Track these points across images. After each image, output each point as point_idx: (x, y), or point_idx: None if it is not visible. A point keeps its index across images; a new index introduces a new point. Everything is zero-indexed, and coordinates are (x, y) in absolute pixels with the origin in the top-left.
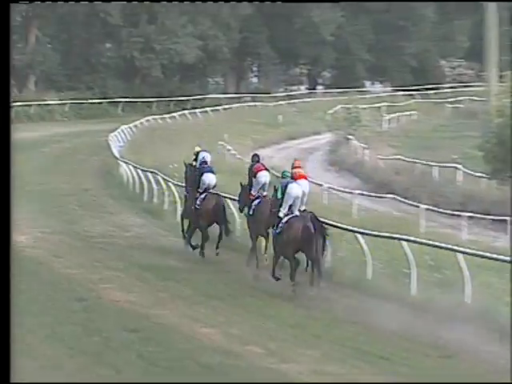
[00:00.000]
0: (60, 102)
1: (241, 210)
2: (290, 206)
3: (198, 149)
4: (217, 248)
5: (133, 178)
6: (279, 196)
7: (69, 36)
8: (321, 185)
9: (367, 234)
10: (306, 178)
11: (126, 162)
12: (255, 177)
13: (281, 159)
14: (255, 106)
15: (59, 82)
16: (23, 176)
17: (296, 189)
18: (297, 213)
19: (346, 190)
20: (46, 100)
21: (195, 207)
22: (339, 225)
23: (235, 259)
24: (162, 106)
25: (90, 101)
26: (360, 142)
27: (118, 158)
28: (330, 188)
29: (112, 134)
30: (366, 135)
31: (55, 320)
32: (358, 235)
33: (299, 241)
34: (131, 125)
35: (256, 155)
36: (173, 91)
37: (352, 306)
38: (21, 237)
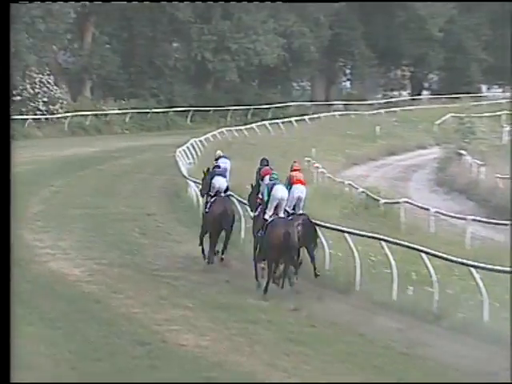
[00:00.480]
0: (120, 111)
1: (252, 210)
2: (276, 208)
3: (219, 153)
4: (222, 253)
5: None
6: (265, 198)
7: (130, 34)
8: (427, 209)
9: (482, 268)
10: (303, 183)
11: (197, 182)
12: (262, 180)
13: (377, 179)
14: (348, 115)
15: (119, 88)
16: (77, 198)
17: (281, 191)
18: (281, 214)
19: (458, 215)
20: (103, 109)
21: (205, 212)
22: (444, 255)
23: (321, 295)
24: (237, 115)
25: (155, 110)
26: (474, 157)
27: (186, 178)
28: (437, 213)
29: (180, 149)
30: (482, 150)
31: (114, 367)
32: (472, 269)
33: (279, 246)
34: (202, 138)
35: (264, 159)
36: (251, 98)
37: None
38: (74, 269)
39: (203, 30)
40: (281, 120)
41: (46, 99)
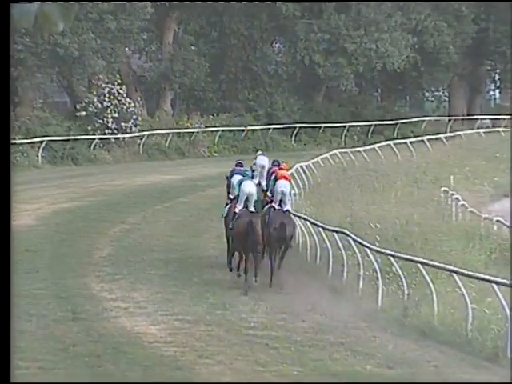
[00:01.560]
0: (208, 129)
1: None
2: (246, 202)
3: (259, 153)
4: (255, 276)
5: (312, 240)
6: (236, 193)
7: (221, 33)
8: None
9: None
10: (287, 179)
11: (303, 218)
12: (271, 179)
13: None
14: (498, 132)
15: (207, 100)
16: (156, 238)
17: (248, 186)
18: (252, 209)
19: None
20: (187, 127)
21: (230, 227)
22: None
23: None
24: (355, 133)
25: (251, 127)
26: None
27: (290, 212)
28: None
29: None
30: None
31: None
32: None
33: (242, 235)
34: (310, 162)
35: (276, 160)
36: (372, 112)
37: None
38: (151, 328)
39: (312, 27)
40: (410, 139)
41: (116, 115)
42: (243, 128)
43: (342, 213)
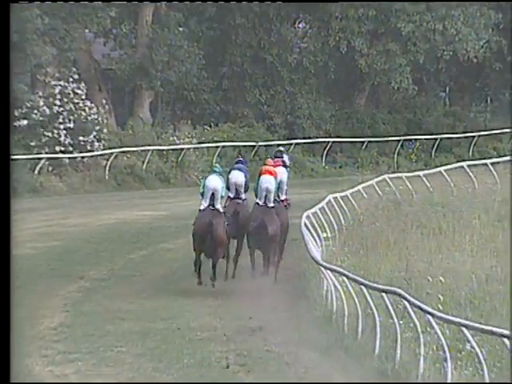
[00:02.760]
0: (201, 145)
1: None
2: (212, 199)
3: (279, 149)
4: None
5: (352, 304)
6: (201, 190)
7: (221, 10)
8: None
9: None
10: (272, 174)
11: (337, 271)
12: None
13: None
14: None
15: (201, 104)
16: (128, 300)
17: (213, 181)
18: (218, 206)
19: None
20: (174, 142)
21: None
22: None
23: None
24: (412, 150)
25: (264, 143)
26: None
27: (318, 263)
28: None
29: (310, 212)
30: None
31: None
32: None
33: (201, 237)
34: (348, 192)
35: (279, 151)
36: (436, 120)
37: None
38: None
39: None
40: (493, 160)
41: (71, 124)
42: (253, 144)
43: (395, 265)
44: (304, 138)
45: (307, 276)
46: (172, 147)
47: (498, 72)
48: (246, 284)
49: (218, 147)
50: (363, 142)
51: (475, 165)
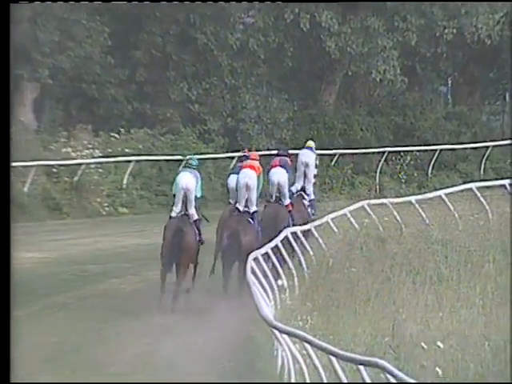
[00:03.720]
0: (108, 159)
1: None
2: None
3: (310, 143)
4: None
5: (317, 379)
6: (172, 191)
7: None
8: None
9: None
10: (254, 169)
11: (296, 336)
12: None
13: None
14: None
15: (106, 101)
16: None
17: (184, 179)
18: (191, 211)
19: None
20: (67, 155)
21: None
22: None
23: None
24: (400, 165)
25: (200, 156)
26: None
27: (271, 324)
28: None
29: (259, 252)
30: None
31: None
32: None
33: (168, 248)
34: (313, 225)
35: (281, 149)
36: (435, 124)
37: None
38: None
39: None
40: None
41: None
42: (180, 158)
43: (377, 326)
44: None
45: (256, 342)
46: (65, 162)
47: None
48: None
49: (129, 162)
50: (333, 156)
51: (489, 187)
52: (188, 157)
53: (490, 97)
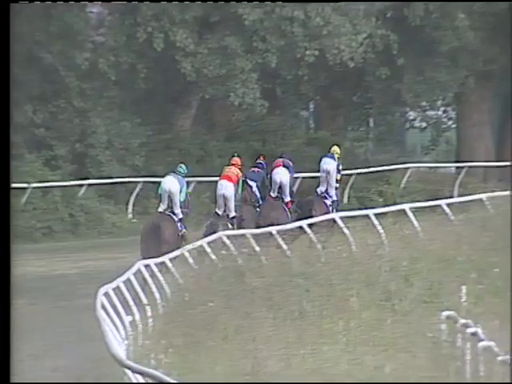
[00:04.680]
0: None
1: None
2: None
3: (334, 149)
4: None
5: None
6: (158, 192)
7: None
8: None
9: None
10: (230, 180)
11: (150, 375)
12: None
13: None
14: None
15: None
16: None
17: (168, 182)
18: (177, 210)
19: None
20: None
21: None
22: None
23: None
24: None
25: (44, 183)
26: None
27: (123, 363)
28: None
29: (110, 286)
30: None
31: None
32: None
33: (143, 239)
34: (168, 256)
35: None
36: (298, 150)
37: None
38: None
39: None
40: (377, 210)
41: None
42: (24, 185)
43: (237, 364)
44: (100, 178)
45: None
46: None
47: (385, 81)
48: None
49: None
50: (189, 184)
51: (353, 217)
52: (180, 164)
53: (354, 122)
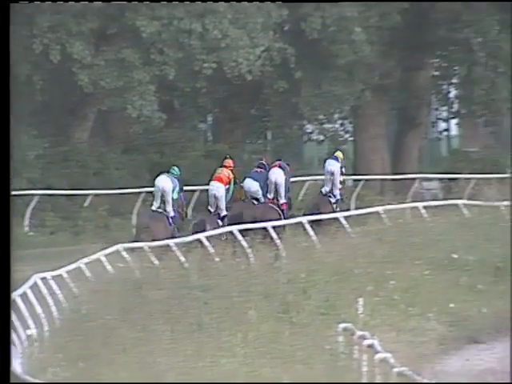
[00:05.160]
0: None
1: None
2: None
3: (338, 153)
4: None
5: None
6: (153, 190)
7: None
8: None
9: None
10: (220, 181)
11: None
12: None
13: None
14: (456, 208)
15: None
16: None
17: (161, 181)
18: (168, 208)
19: None
20: None
21: None
22: None
23: None
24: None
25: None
26: None
27: (20, 379)
28: None
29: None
30: None
31: None
32: None
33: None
34: (64, 270)
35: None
36: (195, 162)
37: None
38: None
39: None
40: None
41: None
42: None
43: (134, 376)
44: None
45: None
46: None
47: (283, 94)
48: None
49: None
50: (86, 196)
51: (251, 229)
52: (173, 167)
53: (252, 135)
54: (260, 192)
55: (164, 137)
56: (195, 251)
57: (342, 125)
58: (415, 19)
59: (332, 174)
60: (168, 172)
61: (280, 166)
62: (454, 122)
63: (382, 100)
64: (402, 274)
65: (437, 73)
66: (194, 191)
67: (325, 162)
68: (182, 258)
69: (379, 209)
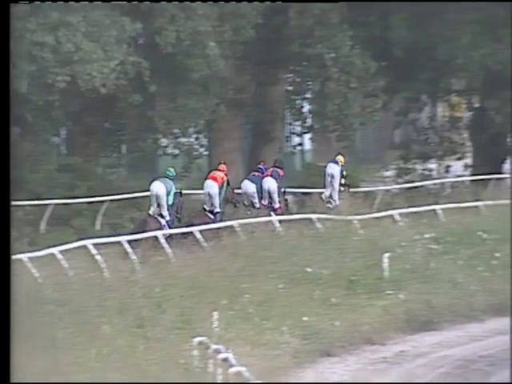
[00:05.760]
0: None
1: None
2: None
3: (338, 158)
4: None
5: None
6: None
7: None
8: None
9: None
10: (216, 180)
11: None
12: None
13: None
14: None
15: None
16: None
17: (155, 186)
18: (164, 213)
19: None
20: None
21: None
22: None
23: None
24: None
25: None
26: None
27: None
28: None
29: None
30: None
31: None
32: None
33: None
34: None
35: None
36: (48, 177)
37: None
38: None
39: None
40: (118, 237)
41: None
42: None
43: None
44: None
45: None
46: None
47: (137, 107)
48: None
49: None
50: None
51: (105, 243)
52: (168, 168)
53: (106, 148)
54: (256, 194)
55: (16, 150)
56: (50, 265)
57: (197, 139)
58: (269, 34)
59: (332, 176)
60: (163, 177)
61: (272, 175)
62: (307, 136)
63: (237, 114)
64: (257, 288)
65: (291, 88)
66: (46, 205)
67: (326, 165)
68: (36, 273)
69: (233, 223)
